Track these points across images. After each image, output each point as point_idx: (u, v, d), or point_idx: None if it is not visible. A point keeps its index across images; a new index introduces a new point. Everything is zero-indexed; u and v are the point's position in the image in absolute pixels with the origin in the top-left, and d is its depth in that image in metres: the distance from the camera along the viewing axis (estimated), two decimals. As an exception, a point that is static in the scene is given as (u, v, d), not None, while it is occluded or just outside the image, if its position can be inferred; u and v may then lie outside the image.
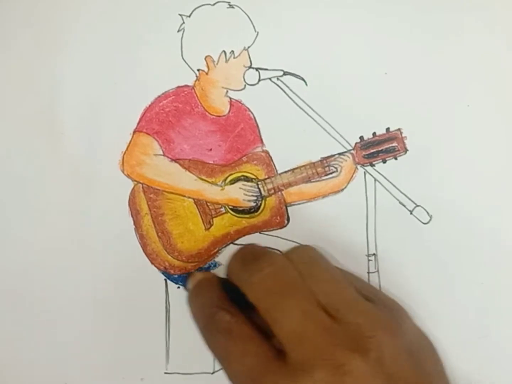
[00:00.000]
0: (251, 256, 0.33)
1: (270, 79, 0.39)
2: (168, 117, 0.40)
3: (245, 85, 0.40)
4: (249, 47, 0.39)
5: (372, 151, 0.39)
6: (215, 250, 0.40)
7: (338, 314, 0.29)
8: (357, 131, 0.39)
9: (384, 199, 0.39)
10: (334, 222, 0.39)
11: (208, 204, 0.40)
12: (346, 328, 0.29)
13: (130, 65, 0.40)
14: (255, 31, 0.39)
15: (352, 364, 0.28)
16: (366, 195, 0.39)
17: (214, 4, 0.39)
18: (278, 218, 0.40)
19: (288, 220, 0.40)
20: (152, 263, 0.40)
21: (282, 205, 0.40)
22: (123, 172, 0.40)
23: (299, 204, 0.40)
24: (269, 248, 0.39)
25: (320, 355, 0.28)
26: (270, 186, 0.40)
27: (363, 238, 0.39)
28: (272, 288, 0.31)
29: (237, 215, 0.40)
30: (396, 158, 0.39)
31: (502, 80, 0.39)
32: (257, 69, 0.39)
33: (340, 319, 0.29)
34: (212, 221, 0.40)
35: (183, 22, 0.40)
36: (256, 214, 0.40)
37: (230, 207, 0.40)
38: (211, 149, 0.40)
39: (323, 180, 0.39)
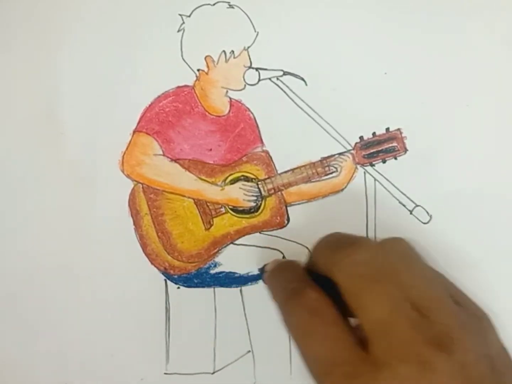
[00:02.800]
0: (345, 240, 0.33)
1: (270, 79, 0.39)
2: (168, 117, 0.40)
3: (245, 85, 0.40)
4: (249, 47, 0.39)
5: (372, 151, 0.39)
6: (215, 250, 0.40)
7: (427, 312, 0.29)
8: (357, 131, 0.39)
9: (384, 199, 0.39)
10: (334, 222, 0.39)
11: (208, 204, 0.40)
12: (434, 327, 0.28)
13: (130, 65, 0.40)
14: (255, 31, 0.39)
15: (437, 362, 0.27)
16: (366, 195, 0.39)
17: (214, 4, 0.39)
18: (278, 218, 0.40)
19: (288, 220, 0.40)
20: (152, 263, 0.40)
21: (282, 205, 0.40)
22: (123, 172, 0.40)
23: (299, 204, 0.40)
24: (270, 248, 0.39)
25: (406, 350, 0.27)
26: (270, 186, 0.40)
27: (363, 238, 0.39)
28: (365, 273, 0.30)
29: (237, 215, 0.40)
30: (396, 158, 0.39)
31: (501, 80, 0.39)
32: (257, 69, 0.39)
33: (428, 317, 0.29)
34: (212, 221, 0.40)
35: (183, 22, 0.40)
36: (256, 214, 0.40)
37: (230, 207, 0.40)
38: (211, 149, 0.40)
39: (323, 180, 0.39)
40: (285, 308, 0.32)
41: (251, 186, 0.40)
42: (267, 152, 0.40)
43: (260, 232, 0.40)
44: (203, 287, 0.40)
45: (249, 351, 0.40)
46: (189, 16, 0.40)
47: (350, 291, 0.30)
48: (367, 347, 0.28)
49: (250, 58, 0.39)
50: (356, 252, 0.31)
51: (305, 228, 0.39)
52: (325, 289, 0.31)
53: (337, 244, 0.33)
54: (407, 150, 0.39)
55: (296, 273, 0.34)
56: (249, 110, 0.40)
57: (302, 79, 0.39)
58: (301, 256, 0.39)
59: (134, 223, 0.40)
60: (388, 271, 0.30)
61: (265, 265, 0.38)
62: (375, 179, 0.39)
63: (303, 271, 0.34)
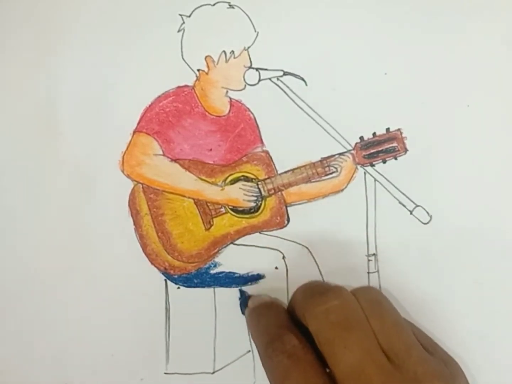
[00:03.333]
0: (318, 289, 0.33)
1: (270, 79, 0.39)
2: (168, 117, 0.40)
3: (245, 85, 0.40)
4: (249, 47, 0.39)
5: (372, 151, 0.39)
6: (215, 250, 0.40)
7: (397, 359, 0.29)
8: (357, 131, 0.39)
9: (384, 199, 0.39)
10: (334, 222, 0.39)
11: (208, 204, 0.40)
12: (404, 374, 0.29)
13: (130, 65, 0.40)
14: (255, 31, 0.39)
15: None
16: (366, 195, 0.39)
17: (214, 4, 0.39)
18: (278, 218, 0.40)
19: (288, 220, 0.40)
20: (152, 263, 0.40)
21: (282, 205, 0.40)
22: (123, 172, 0.40)
23: (299, 204, 0.40)
24: (270, 248, 0.39)
25: None
26: (270, 186, 0.40)
27: (363, 238, 0.39)
28: (336, 321, 0.30)
29: (237, 215, 0.40)
30: (396, 158, 0.39)
31: (502, 80, 0.39)
32: (257, 69, 0.39)
33: (398, 364, 0.29)
34: (212, 221, 0.40)
35: (183, 22, 0.40)
36: (256, 214, 0.40)
37: (230, 207, 0.40)
38: (211, 149, 0.40)
39: (323, 180, 0.39)
40: (265, 352, 0.32)
41: (251, 186, 0.40)
42: (267, 152, 0.40)
43: (260, 232, 0.40)
44: (203, 287, 0.40)
45: (249, 351, 0.40)
46: (189, 16, 0.40)
47: (322, 339, 0.30)
48: None
49: (250, 58, 0.39)
50: (327, 299, 0.31)
51: (305, 228, 0.39)
52: (306, 334, 0.32)
53: (309, 292, 0.34)
54: (407, 150, 0.39)
55: (279, 316, 0.34)
56: (249, 110, 0.40)
57: (302, 79, 0.39)
58: (301, 256, 0.39)
59: (134, 223, 0.40)
60: (359, 319, 0.31)
61: (244, 293, 0.39)
62: (375, 179, 0.39)
63: (285, 314, 0.35)
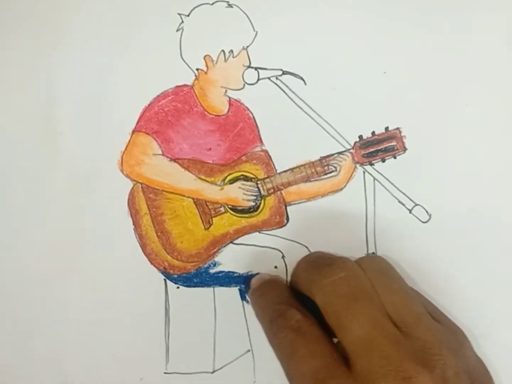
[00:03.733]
0: (323, 261, 0.33)
1: (269, 78, 0.39)
2: (167, 116, 0.40)
3: (244, 85, 0.39)
4: (248, 46, 0.39)
5: (371, 150, 0.39)
6: (215, 250, 0.40)
7: (406, 328, 0.30)
8: (356, 130, 0.39)
9: (383, 198, 0.39)
10: (333, 222, 0.39)
11: (208, 203, 0.40)
12: (413, 342, 0.29)
13: (129, 65, 0.40)
14: (254, 30, 0.39)
15: (419, 378, 0.28)
16: (365, 194, 0.39)
17: (213, 4, 0.39)
18: (278, 217, 0.40)
19: (288, 219, 0.40)
20: (151, 263, 0.40)
21: (282, 205, 0.40)
22: (122, 172, 0.40)
23: (298, 203, 0.40)
24: (269, 247, 0.39)
25: (388, 366, 0.28)
26: (269, 185, 0.40)
27: (362, 237, 0.39)
28: (343, 293, 0.31)
29: (237, 214, 0.40)
30: (395, 157, 0.39)
31: (501, 79, 0.39)
32: (256, 68, 0.39)
33: (407, 333, 0.29)
34: (212, 221, 0.40)
35: (182, 22, 0.39)
36: (255, 213, 0.40)
37: (230, 206, 0.40)
38: (210, 149, 0.40)
39: (322, 179, 0.39)
40: (270, 329, 0.33)
41: (250, 186, 0.40)
42: (266, 152, 0.40)
43: (259, 232, 0.40)
44: (202, 286, 0.40)
45: (248, 351, 0.40)
46: (188, 15, 0.39)
47: (329, 312, 0.31)
48: (349, 365, 0.29)
49: (249, 58, 0.39)
50: (333, 272, 0.31)
51: (304, 228, 0.39)
52: (309, 307, 0.32)
53: (315, 264, 0.34)
54: (407, 149, 0.39)
55: (280, 293, 0.35)
56: (248, 109, 0.40)
57: (301, 79, 0.39)
58: (301, 256, 0.39)
59: (134, 223, 0.40)
60: (366, 289, 0.31)
61: (248, 276, 0.39)
62: (374, 178, 0.39)
63: (287, 290, 0.35)
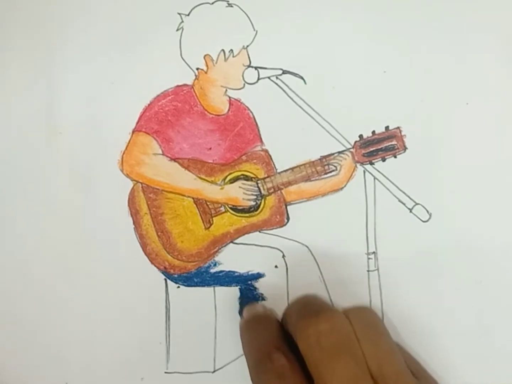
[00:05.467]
0: (312, 308, 0.33)
1: (269, 78, 0.39)
2: (167, 116, 0.40)
3: (244, 84, 0.39)
4: (248, 46, 0.39)
5: (371, 149, 0.39)
6: (215, 250, 0.40)
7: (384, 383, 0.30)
8: (356, 130, 0.39)
9: (383, 198, 0.39)
10: (333, 221, 0.39)
11: (208, 203, 0.40)
12: None
13: (129, 65, 0.40)
14: (254, 30, 0.39)
15: None
16: (365, 193, 0.39)
17: (213, 3, 0.39)
18: (278, 217, 0.40)
19: (288, 219, 0.40)
20: (152, 262, 0.40)
21: (282, 204, 0.40)
22: (122, 171, 0.40)
23: (298, 203, 0.40)
24: (270, 247, 0.39)
25: None
26: (269, 185, 0.40)
27: (362, 237, 0.39)
28: (326, 346, 0.30)
29: (237, 214, 0.40)
30: (395, 157, 0.39)
31: (501, 78, 0.39)
32: (256, 68, 0.39)
33: None
34: (212, 220, 0.40)
35: (182, 21, 0.39)
36: (255, 213, 0.40)
37: (230, 206, 0.40)
38: (210, 148, 0.40)
39: (323, 178, 0.39)
40: (254, 368, 0.33)
41: (250, 185, 0.40)
42: (266, 151, 0.40)
43: (259, 231, 0.40)
44: (203, 286, 0.40)
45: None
46: (188, 15, 0.39)
47: (311, 362, 0.30)
48: None
49: (249, 57, 0.39)
50: (319, 322, 0.31)
51: (305, 227, 0.40)
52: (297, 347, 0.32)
53: (303, 311, 0.33)
54: (407, 148, 0.39)
55: (270, 332, 0.34)
56: (249, 109, 0.40)
57: (302, 78, 0.39)
58: (301, 255, 0.39)
59: (134, 223, 0.40)
60: (349, 343, 0.31)
61: (243, 305, 0.39)
62: (374, 178, 0.39)
63: (278, 329, 0.34)
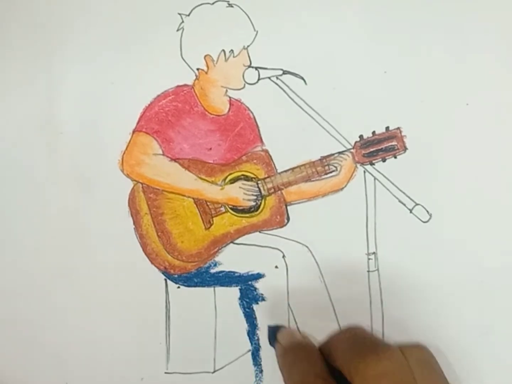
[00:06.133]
0: (369, 345, 0.32)
1: (269, 78, 0.39)
2: (167, 116, 0.40)
3: (244, 84, 0.39)
4: (248, 46, 0.39)
5: (371, 150, 0.39)
6: (215, 250, 0.40)
7: None
8: (356, 130, 0.39)
9: (383, 198, 0.39)
10: (334, 221, 0.39)
11: (208, 203, 0.40)
12: None
13: (129, 65, 0.40)
14: (255, 30, 0.39)
15: None
16: (366, 194, 0.39)
17: (213, 3, 0.39)
18: (278, 217, 0.40)
19: (288, 219, 0.40)
20: (152, 262, 0.40)
21: (282, 204, 0.40)
22: (122, 171, 0.40)
23: (299, 203, 0.40)
24: (270, 247, 0.39)
25: None
26: (270, 185, 0.40)
27: (363, 237, 0.39)
28: None
29: (237, 214, 0.40)
30: (395, 157, 0.39)
31: (501, 79, 0.39)
32: (256, 68, 0.39)
33: None
34: (212, 221, 0.40)
35: (182, 21, 0.39)
36: (256, 213, 0.40)
37: (230, 206, 0.40)
38: (210, 149, 0.40)
39: (323, 179, 0.39)
40: None
41: (251, 185, 0.40)
42: (266, 151, 0.40)
43: (260, 231, 0.40)
44: (203, 286, 0.40)
45: (249, 350, 0.40)
46: (188, 15, 0.39)
47: None
48: None
49: (249, 57, 0.39)
50: (379, 362, 0.30)
51: (305, 227, 0.39)
52: (339, 380, 0.31)
53: (358, 348, 0.32)
54: (407, 148, 0.39)
55: (314, 363, 0.33)
56: (249, 109, 0.40)
57: (302, 78, 0.39)
58: (301, 255, 0.39)
59: (134, 223, 0.40)
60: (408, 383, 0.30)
61: (274, 327, 0.38)
62: (375, 178, 0.39)
63: (320, 360, 0.33)
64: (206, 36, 0.39)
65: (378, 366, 0.30)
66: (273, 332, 0.37)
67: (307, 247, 0.39)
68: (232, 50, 0.39)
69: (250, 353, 0.40)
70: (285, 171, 0.40)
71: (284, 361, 0.34)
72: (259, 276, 0.40)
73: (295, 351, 0.35)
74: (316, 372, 0.32)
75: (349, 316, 0.39)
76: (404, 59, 0.39)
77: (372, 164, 0.39)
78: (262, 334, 0.39)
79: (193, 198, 0.40)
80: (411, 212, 0.39)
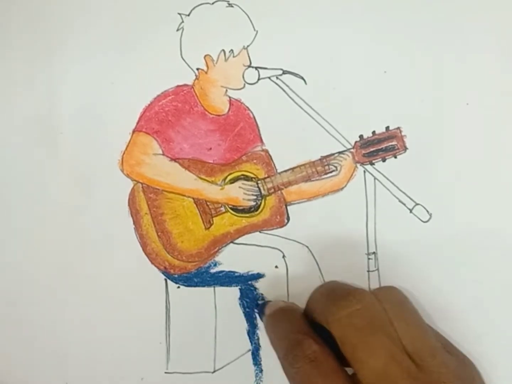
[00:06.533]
0: (340, 292, 0.33)
1: (269, 78, 0.39)
2: (167, 116, 0.40)
3: (244, 84, 0.39)
4: (248, 46, 0.39)
5: (371, 149, 0.39)
6: (215, 250, 0.40)
7: (422, 361, 0.30)
8: (356, 130, 0.39)
9: (383, 198, 0.39)
10: (334, 221, 0.39)
11: (208, 203, 0.40)
12: (428, 376, 0.29)
13: (129, 65, 0.40)
14: (254, 30, 0.39)
15: None
16: (366, 194, 0.39)
17: (213, 3, 0.39)
18: (278, 217, 0.40)
19: (288, 219, 0.40)
20: (152, 262, 0.40)
21: (282, 204, 0.40)
22: (122, 171, 0.40)
23: (299, 203, 0.40)
24: (270, 247, 0.39)
25: None
26: (270, 185, 0.40)
27: (363, 237, 0.39)
28: (360, 326, 0.30)
29: (237, 214, 0.40)
30: (395, 157, 0.39)
31: (501, 78, 0.39)
32: (256, 68, 0.39)
33: (423, 366, 0.29)
34: (212, 221, 0.40)
35: (182, 21, 0.39)
36: (256, 213, 0.40)
37: (230, 206, 0.40)
38: (210, 148, 0.40)
39: (323, 179, 0.39)
40: (285, 358, 0.32)
41: (251, 185, 0.40)
42: (266, 151, 0.40)
43: (260, 231, 0.40)
44: (203, 286, 0.40)
45: (249, 350, 0.40)
46: (188, 15, 0.39)
47: (346, 344, 0.30)
48: None
49: (249, 57, 0.39)
50: (350, 304, 0.31)
51: (305, 227, 0.40)
52: (324, 336, 0.32)
53: (331, 295, 0.33)
54: (407, 148, 0.39)
55: (296, 321, 0.34)
56: (249, 109, 0.40)
57: (302, 78, 0.39)
58: (301, 255, 0.39)
59: (134, 223, 0.40)
60: (382, 322, 0.31)
61: (262, 303, 0.39)
62: (375, 178, 0.39)
63: (303, 319, 0.34)
64: (206, 36, 0.39)
65: (350, 306, 0.31)
66: (262, 308, 0.38)
67: (307, 247, 0.39)
68: (232, 50, 0.39)
69: (250, 353, 0.40)
70: (285, 171, 0.40)
71: (269, 327, 0.36)
72: (259, 276, 0.40)
73: (278, 316, 0.36)
74: (298, 329, 0.33)
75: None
76: (404, 59, 0.39)
77: (372, 164, 0.39)
78: (262, 334, 0.39)
79: (193, 198, 0.40)
80: (411, 212, 0.39)
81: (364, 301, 0.31)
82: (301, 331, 0.33)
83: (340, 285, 0.35)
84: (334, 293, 0.34)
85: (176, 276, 0.40)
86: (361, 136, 0.39)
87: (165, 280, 0.40)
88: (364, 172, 0.39)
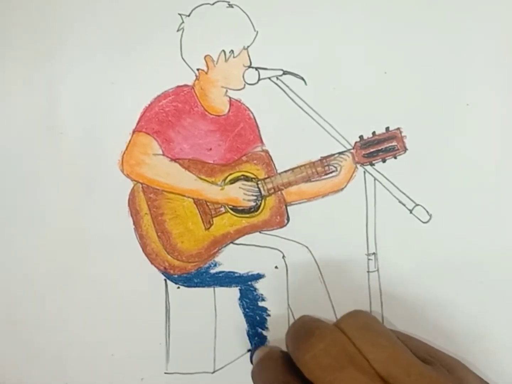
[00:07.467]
0: (302, 332, 0.32)
1: (269, 78, 0.39)
2: (167, 116, 0.40)
3: (244, 85, 0.39)
4: (248, 46, 0.39)
5: (371, 150, 0.39)
6: (215, 250, 0.40)
7: (397, 382, 0.29)
8: (356, 130, 0.39)
9: (383, 198, 0.39)
10: (333, 222, 0.39)
11: (208, 203, 0.40)
12: None
13: (129, 65, 0.40)
14: (255, 30, 0.39)
15: None
16: (366, 194, 0.39)
17: (213, 4, 0.39)
18: (278, 217, 0.40)
19: (288, 219, 0.40)
20: (152, 263, 0.40)
21: (282, 205, 0.40)
22: (122, 172, 0.40)
23: (299, 203, 0.40)
24: (270, 247, 0.39)
25: None
26: (270, 185, 0.40)
27: (363, 238, 0.39)
28: (327, 365, 0.30)
29: (237, 214, 0.40)
30: (395, 157, 0.39)
31: (501, 78, 0.39)
32: (256, 68, 0.39)
33: None
34: (212, 221, 0.40)
35: (183, 22, 0.39)
36: (256, 213, 0.40)
37: (230, 206, 0.40)
38: (210, 149, 0.40)
39: (323, 179, 0.39)
40: None
41: (251, 186, 0.40)
42: (266, 152, 0.40)
43: (260, 232, 0.40)
44: (203, 286, 0.40)
45: (249, 350, 0.40)
46: (189, 15, 0.39)
47: None
48: None
49: (249, 58, 0.39)
50: (313, 345, 0.31)
51: (305, 228, 0.40)
52: None
53: (296, 338, 0.33)
54: (407, 149, 0.39)
55: (275, 368, 0.34)
56: (249, 109, 0.40)
57: (302, 79, 0.39)
58: (301, 255, 0.39)
59: (134, 223, 0.40)
60: (349, 354, 0.30)
61: (254, 348, 0.39)
62: (375, 179, 0.39)
63: (283, 364, 0.33)
64: (206, 37, 0.39)
65: (313, 347, 0.31)
66: (252, 355, 0.38)
67: (307, 247, 0.39)
68: (232, 51, 0.39)
69: (250, 353, 0.40)
70: (285, 171, 0.40)
71: (254, 376, 0.35)
72: (259, 276, 0.40)
73: (261, 364, 0.35)
74: (278, 379, 0.32)
75: (349, 316, 0.39)
76: (404, 59, 0.39)
77: (372, 164, 0.39)
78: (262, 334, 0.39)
79: (193, 199, 0.40)
80: (411, 212, 0.39)
81: (327, 338, 0.31)
82: (280, 378, 0.32)
83: (304, 324, 0.34)
84: (298, 334, 0.33)
85: (176, 276, 0.40)
86: (361, 137, 0.39)
87: (165, 280, 0.40)
88: (364, 172, 0.39)
